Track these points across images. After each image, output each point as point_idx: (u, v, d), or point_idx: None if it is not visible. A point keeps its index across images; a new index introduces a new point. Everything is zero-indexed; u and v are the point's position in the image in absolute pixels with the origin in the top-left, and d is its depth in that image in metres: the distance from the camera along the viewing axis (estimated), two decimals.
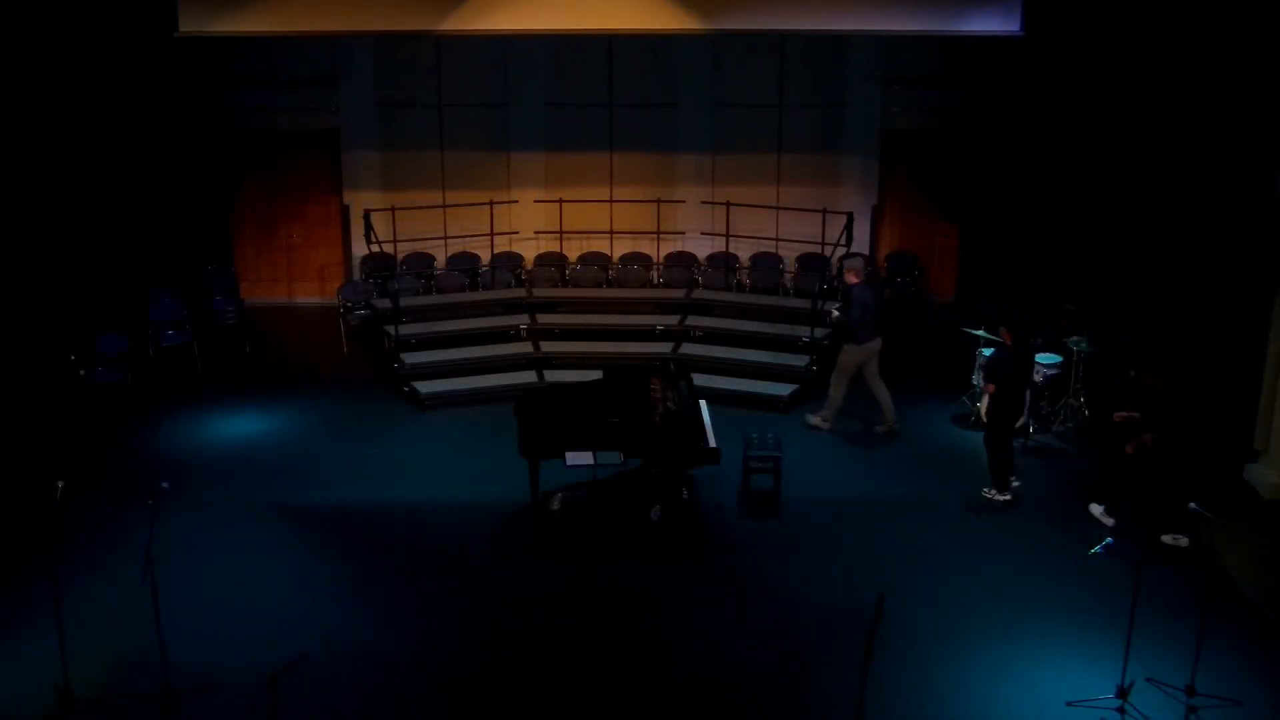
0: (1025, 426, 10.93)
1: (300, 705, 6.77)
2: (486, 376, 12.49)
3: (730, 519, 9.51)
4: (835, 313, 12.01)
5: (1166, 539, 8.91)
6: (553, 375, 12.38)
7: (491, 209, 14.33)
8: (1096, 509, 9.47)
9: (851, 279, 11.01)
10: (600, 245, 14.89)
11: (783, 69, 14.47)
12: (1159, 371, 10.49)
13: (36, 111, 11.71)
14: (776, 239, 14.48)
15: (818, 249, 13.93)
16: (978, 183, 13.86)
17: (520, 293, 14.08)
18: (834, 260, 13.79)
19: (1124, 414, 9.46)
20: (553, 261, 14.73)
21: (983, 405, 11.07)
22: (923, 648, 7.55)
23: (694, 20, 11.55)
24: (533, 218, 14.77)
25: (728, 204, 14.21)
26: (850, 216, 12.93)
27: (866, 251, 14.73)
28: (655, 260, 14.77)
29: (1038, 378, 11.01)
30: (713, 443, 9.11)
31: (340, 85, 14.55)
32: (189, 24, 11.65)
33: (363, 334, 13.71)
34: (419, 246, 14.51)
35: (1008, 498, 9.75)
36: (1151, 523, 9.04)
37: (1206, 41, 10.64)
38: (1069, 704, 6.91)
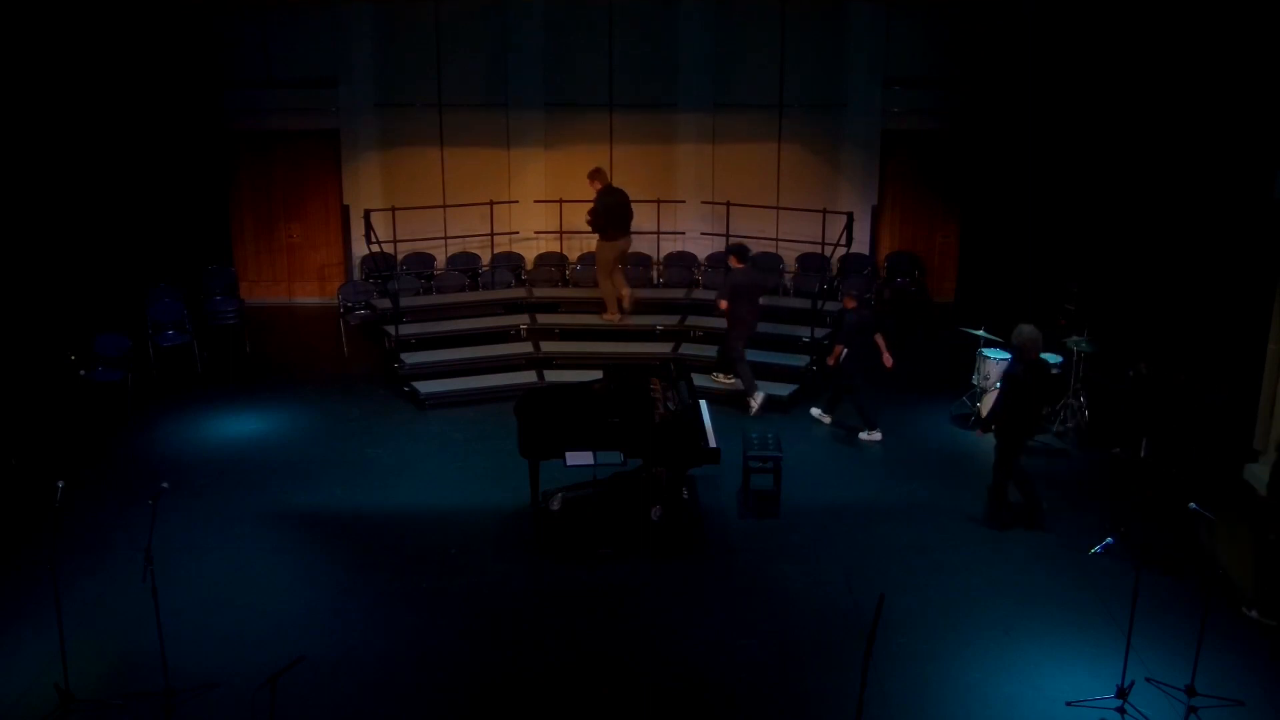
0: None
1: (300, 705, 6.78)
2: (486, 376, 12.50)
3: (730, 519, 9.51)
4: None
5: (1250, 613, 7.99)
6: (553, 375, 12.39)
7: (491, 209, 14.34)
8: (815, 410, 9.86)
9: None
10: None
11: (783, 69, 14.48)
12: (1159, 372, 10.51)
13: (37, 112, 11.70)
14: (776, 239, 14.49)
15: (818, 249, 13.95)
16: (978, 183, 13.86)
17: (520, 293, 14.08)
18: (834, 260, 13.83)
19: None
20: (553, 261, 14.74)
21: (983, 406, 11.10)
22: (922, 647, 7.55)
23: None
24: (533, 218, 14.78)
25: (728, 204, 14.21)
26: (850, 216, 12.94)
27: (867, 251, 14.75)
28: (655, 260, 14.78)
29: None
30: (713, 443, 9.11)
31: (340, 85, 14.57)
32: None
33: (363, 334, 13.71)
34: (419, 246, 14.52)
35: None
36: (1151, 523, 9.04)
37: (1207, 42, 10.65)
38: (1069, 704, 6.91)
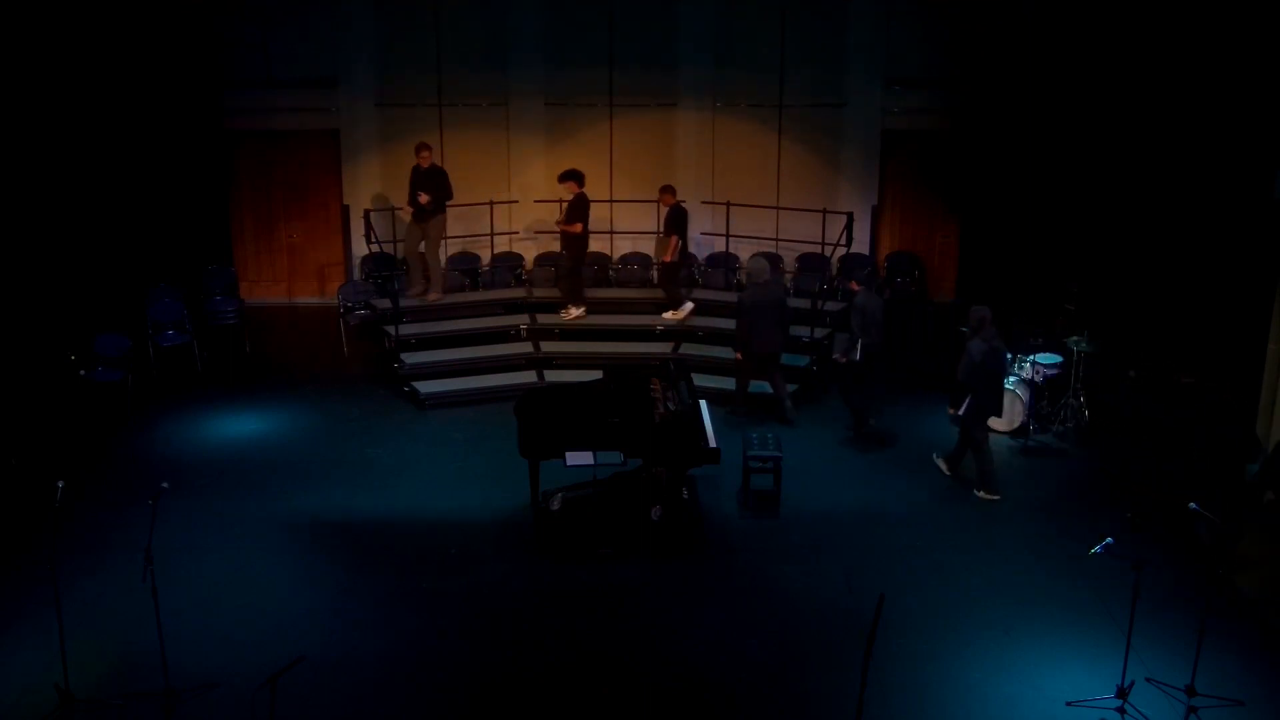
0: (1026, 426, 10.94)
1: (300, 705, 6.78)
2: (486, 376, 12.50)
3: (730, 519, 9.51)
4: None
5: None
6: (553, 375, 12.38)
7: (491, 209, 14.33)
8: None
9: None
10: (600, 245, 14.88)
11: (783, 69, 14.47)
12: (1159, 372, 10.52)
13: (37, 112, 11.70)
14: (776, 239, 14.48)
15: (818, 249, 13.94)
16: (977, 183, 13.86)
17: (520, 293, 14.08)
18: (834, 260, 13.83)
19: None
20: (553, 261, 14.72)
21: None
22: (923, 648, 7.55)
23: None
24: (533, 218, 14.77)
25: (728, 204, 14.20)
26: (850, 216, 12.93)
27: (867, 251, 14.74)
28: (655, 260, 14.76)
29: (1037, 378, 11.01)
30: (713, 443, 9.11)
31: (340, 85, 14.55)
32: None
33: (363, 334, 13.71)
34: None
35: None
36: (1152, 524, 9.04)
37: (1206, 42, 10.65)
38: (1069, 704, 6.91)
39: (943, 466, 10.33)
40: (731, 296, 13.89)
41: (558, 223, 13.24)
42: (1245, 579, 8.38)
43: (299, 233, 15.23)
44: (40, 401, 11.22)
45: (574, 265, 13.27)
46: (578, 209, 12.89)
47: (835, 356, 10.70)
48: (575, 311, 13.33)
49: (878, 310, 10.95)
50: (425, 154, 13.08)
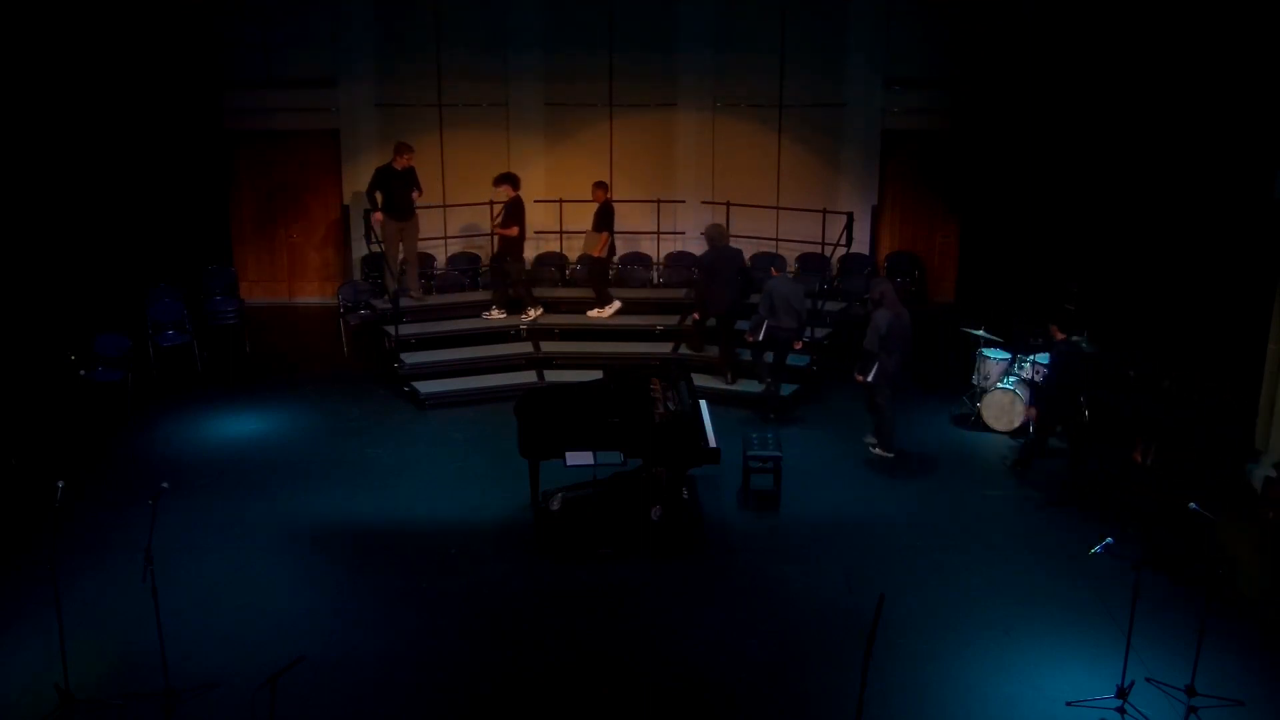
0: (1026, 426, 10.93)
1: (300, 705, 6.77)
2: (486, 376, 12.50)
3: (730, 519, 9.51)
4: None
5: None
6: (553, 375, 12.38)
7: (491, 209, 14.33)
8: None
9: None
10: None
11: (783, 69, 14.48)
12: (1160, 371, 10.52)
13: (37, 112, 11.70)
14: (776, 239, 14.49)
15: (818, 249, 13.94)
16: (977, 183, 13.86)
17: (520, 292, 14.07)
18: (834, 260, 13.82)
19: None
20: (553, 261, 14.73)
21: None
22: (922, 647, 7.55)
23: None
24: (533, 218, 14.77)
25: (728, 204, 14.21)
26: (850, 216, 12.93)
27: (867, 251, 14.74)
28: (655, 260, 14.77)
29: (1037, 378, 11.01)
30: (713, 443, 9.10)
31: (340, 85, 14.57)
32: None
33: (363, 334, 13.71)
34: (419, 246, 14.49)
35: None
36: (1151, 524, 9.04)
37: (1206, 42, 10.64)
38: (1069, 704, 6.91)
39: (871, 441, 10.75)
40: None
41: (495, 227, 13.10)
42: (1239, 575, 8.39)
43: (299, 233, 15.24)
44: (40, 401, 11.22)
45: (507, 268, 13.16)
46: (514, 212, 12.80)
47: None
48: (533, 313, 13.38)
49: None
50: (407, 156, 12.91)
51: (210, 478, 10.10)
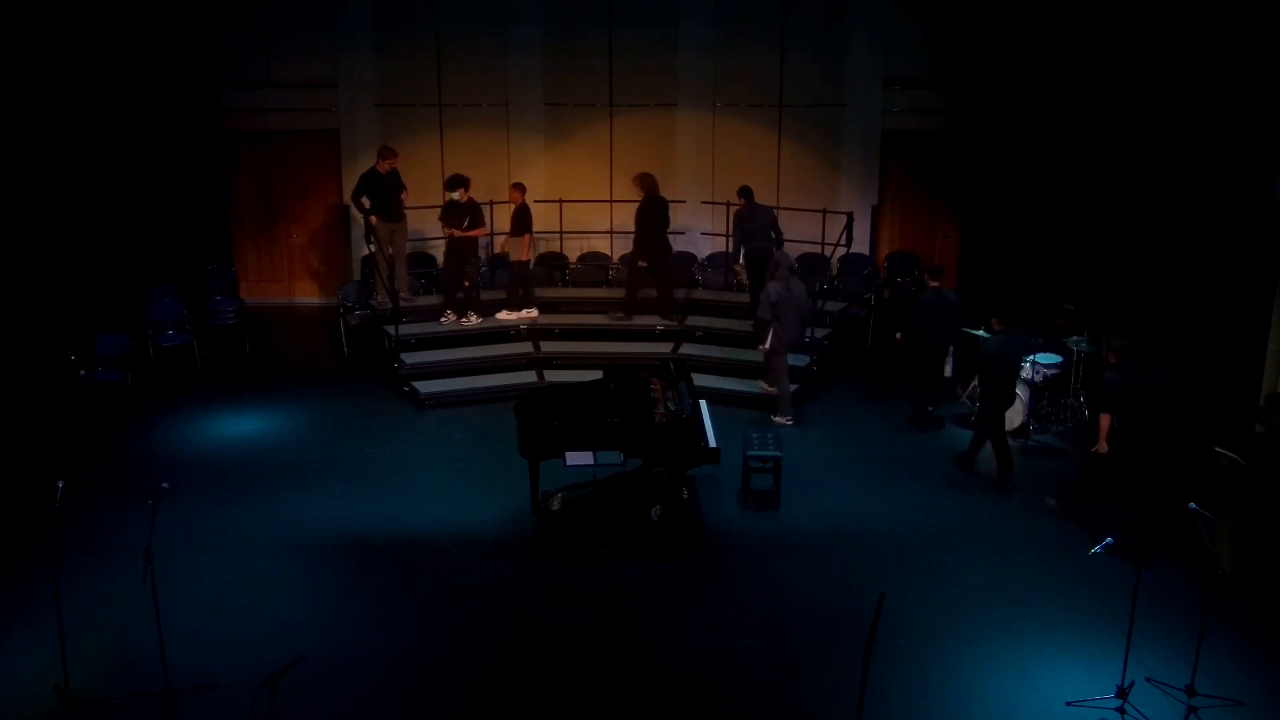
0: (1025, 426, 10.94)
1: (300, 705, 6.78)
2: (486, 376, 12.50)
3: (730, 519, 9.51)
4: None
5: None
6: (553, 375, 12.38)
7: (491, 209, 14.32)
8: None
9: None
10: (600, 245, 14.90)
11: (783, 69, 14.48)
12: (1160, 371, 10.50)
13: (37, 112, 11.71)
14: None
15: (818, 249, 13.94)
16: (977, 183, 13.86)
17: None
18: (834, 260, 13.81)
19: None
20: (553, 261, 14.72)
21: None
22: (922, 647, 7.55)
23: None
24: (532, 218, 14.76)
25: (728, 204, 14.20)
26: (850, 216, 12.94)
27: (867, 251, 14.74)
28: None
29: (1037, 378, 11.01)
30: (713, 443, 9.10)
31: (340, 85, 14.57)
32: None
33: (362, 334, 13.71)
34: (419, 246, 14.51)
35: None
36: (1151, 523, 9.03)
37: (1207, 42, 10.65)
38: (1069, 704, 6.90)
39: (764, 385, 11.76)
40: (732, 296, 13.95)
41: (463, 229, 12.83)
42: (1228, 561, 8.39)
43: (299, 233, 15.24)
44: (40, 401, 11.22)
45: (457, 271, 13.13)
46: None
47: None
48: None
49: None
50: (390, 160, 12.91)
51: (210, 478, 10.10)
